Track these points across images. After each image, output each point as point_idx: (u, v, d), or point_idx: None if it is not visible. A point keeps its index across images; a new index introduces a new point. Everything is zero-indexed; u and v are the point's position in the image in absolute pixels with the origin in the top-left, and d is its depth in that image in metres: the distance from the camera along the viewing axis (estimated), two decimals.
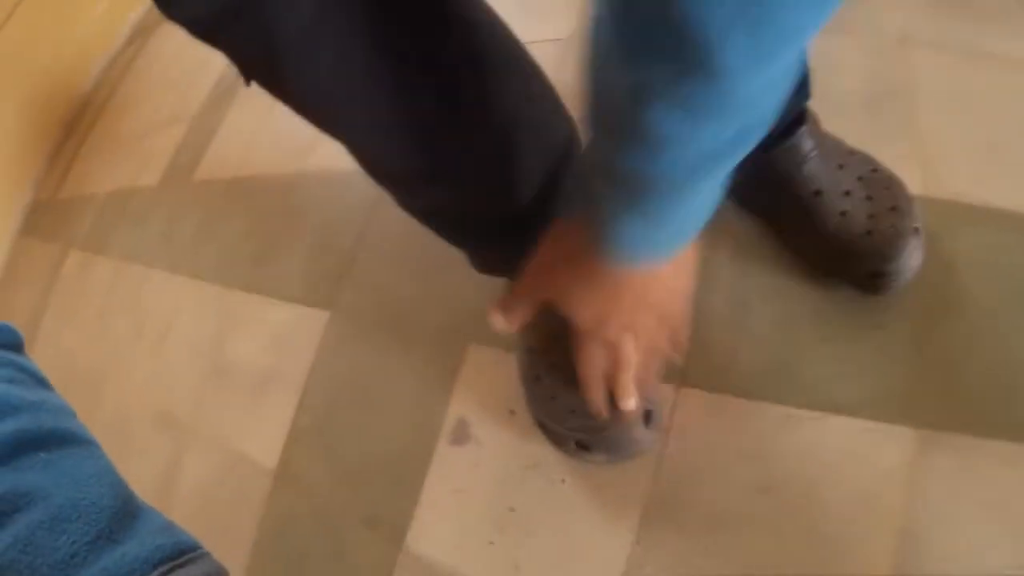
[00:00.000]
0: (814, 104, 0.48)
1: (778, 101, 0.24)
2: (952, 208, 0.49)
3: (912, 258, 0.46)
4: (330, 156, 0.77)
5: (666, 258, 0.34)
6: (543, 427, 0.48)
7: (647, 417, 0.43)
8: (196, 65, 1.42)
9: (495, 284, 0.52)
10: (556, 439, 0.47)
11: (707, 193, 0.29)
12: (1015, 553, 0.40)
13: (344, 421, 0.59)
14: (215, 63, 1.29)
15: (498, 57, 0.38)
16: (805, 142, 0.46)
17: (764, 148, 0.46)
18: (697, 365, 0.48)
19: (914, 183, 0.50)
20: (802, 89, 0.45)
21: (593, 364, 0.40)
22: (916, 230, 0.46)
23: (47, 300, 1.28)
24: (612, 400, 0.43)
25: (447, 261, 0.53)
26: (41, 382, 0.31)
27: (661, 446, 0.45)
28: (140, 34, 1.69)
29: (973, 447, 0.42)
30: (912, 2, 0.59)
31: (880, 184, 0.47)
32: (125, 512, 0.25)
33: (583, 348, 0.41)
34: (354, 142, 0.38)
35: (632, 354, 0.40)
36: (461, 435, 0.50)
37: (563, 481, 0.46)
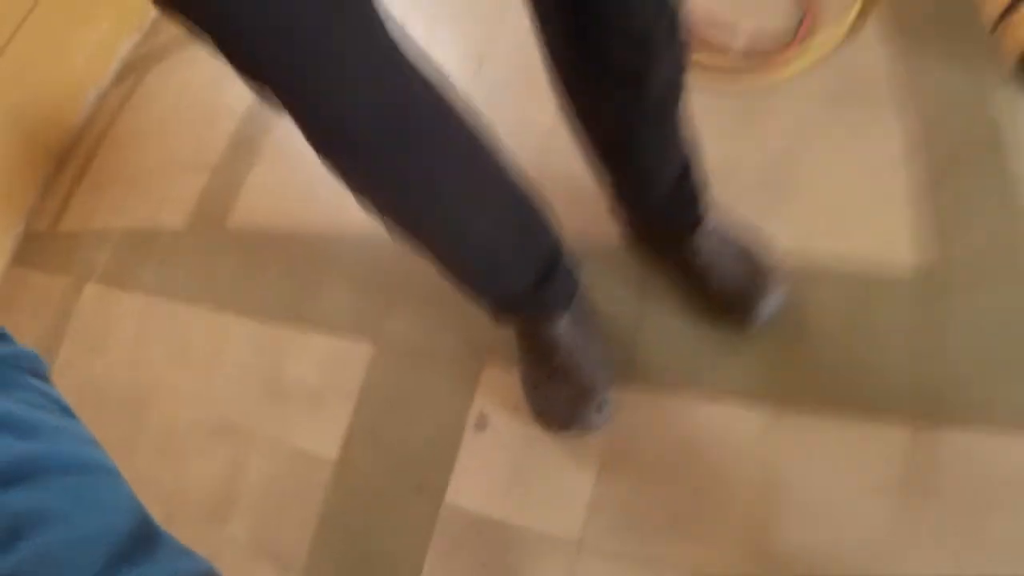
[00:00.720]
0: (715, 189, 0.78)
1: None
2: (814, 263, 0.80)
3: (773, 305, 0.76)
4: (360, 208, 1.06)
5: None
6: (539, 415, 0.79)
7: (599, 406, 0.75)
8: (204, 111, 1.65)
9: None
10: (546, 422, 0.78)
11: None
12: (844, 491, 0.71)
13: (393, 419, 0.88)
14: (228, 109, 1.51)
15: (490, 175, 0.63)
16: (705, 238, 0.77)
17: (679, 239, 0.78)
18: (631, 375, 0.79)
19: (786, 243, 0.81)
20: (702, 199, 0.76)
21: None
22: (779, 284, 0.76)
23: (63, 330, 1.46)
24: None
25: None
26: (65, 410, 0.33)
27: (611, 424, 0.77)
28: (133, 69, 1.87)
29: (815, 422, 0.73)
30: (796, 113, 0.93)
31: (754, 251, 0.79)
32: (144, 536, 0.28)
33: None
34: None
35: None
36: (482, 423, 0.81)
37: (551, 447, 0.78)
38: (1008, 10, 0.90)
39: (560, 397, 0.76)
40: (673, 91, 0.61)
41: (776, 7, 1.04)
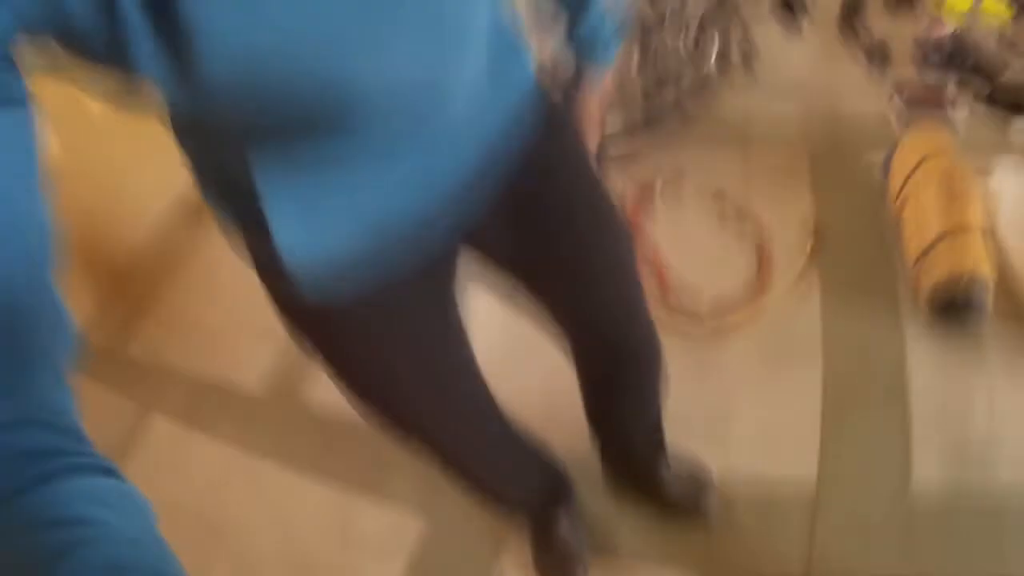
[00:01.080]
0: (669, 424, 1.24)
1: None
2: (737, 475, 1.25)
3: (710, 506, 1.19)
4: None
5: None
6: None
7: (583, 573, 1.17)
8: None
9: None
10: None
11: None
12: None
13: (442, 572, 1.29)
14: None
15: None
16: (663, 470, 1.22)
17: (647, 475, 1.22)
18: (606, 552, 1.21)
19: (717, 464, 1.25)
20: (664, 454, 1.23)
21: None
22: (712, 493, 1.20)
23: (131, 450, 1.61)
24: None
25: None
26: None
27: None
28: (204, 212, 2.16)
29: None
30: (738, 363, 1.40)
31: (694, 473, 1.23)
32: None
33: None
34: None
35: None
36: None
37: None
38: (923, 254, 1.33)
39: (556, 565, 1.20)
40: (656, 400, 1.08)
41: (735, 271, 1.50)
